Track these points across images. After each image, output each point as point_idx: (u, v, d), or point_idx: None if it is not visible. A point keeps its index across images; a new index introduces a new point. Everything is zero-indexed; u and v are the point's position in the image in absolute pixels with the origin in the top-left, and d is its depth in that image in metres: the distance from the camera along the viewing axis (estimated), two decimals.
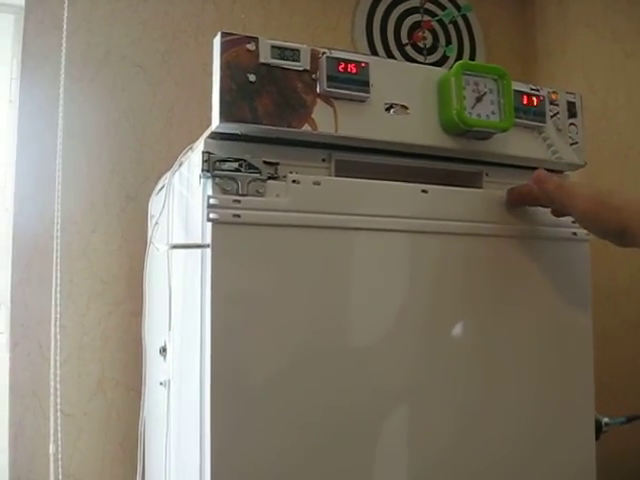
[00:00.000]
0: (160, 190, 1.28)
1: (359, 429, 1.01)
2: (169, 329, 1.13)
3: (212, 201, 0.92)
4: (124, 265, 1.52)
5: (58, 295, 1.40)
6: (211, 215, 0.92)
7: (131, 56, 1.63)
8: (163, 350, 1.18)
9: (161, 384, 1.17)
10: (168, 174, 1.15)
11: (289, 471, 0.97)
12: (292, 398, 0.97)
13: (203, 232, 0.95)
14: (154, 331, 1.26)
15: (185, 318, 1.07)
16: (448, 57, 1.98)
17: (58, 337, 1.39)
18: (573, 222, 1.14)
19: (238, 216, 0.93)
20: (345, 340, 1.01)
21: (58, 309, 1.39)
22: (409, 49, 1.93)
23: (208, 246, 0.92)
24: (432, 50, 1.97)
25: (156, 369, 1.23)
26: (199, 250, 0.96)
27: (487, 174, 1.14)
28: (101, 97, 1.59)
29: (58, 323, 1.40)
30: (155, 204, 1.34)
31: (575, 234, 1.15)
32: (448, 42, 2.00)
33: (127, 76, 1.62)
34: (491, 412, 1.10)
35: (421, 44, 1.95)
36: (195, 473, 0.99)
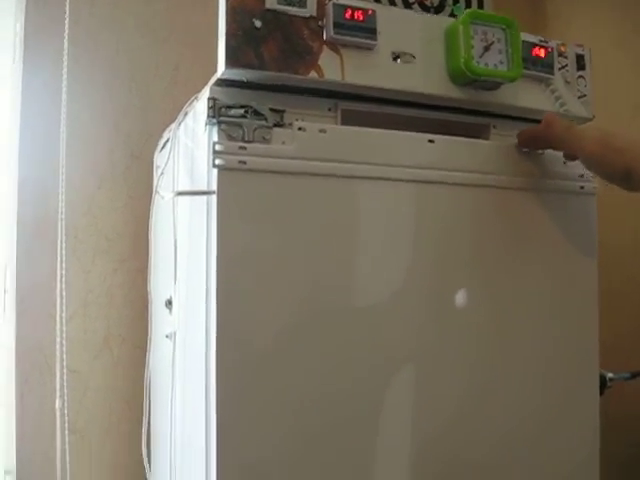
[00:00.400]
0: (165, 144, 1.27)
1: (364, 388, 1.01)
2: (174, 281, 1.13)
3: (218, 147, 0.92)
4: (129, 222, 1.51)
5: (63, 252, 1.40)
6: (217, 161, 0.91)
7: (135, 14, 1.62)
8: (169, 303, 1.18)
9: (167, 337, 1.17)
10: (173, 126, 1.14)
11: (294, 421, 0.97)
12: (297, 351, 0.97)
13: (209, 179, 0.94)
14: (160, 284, 1.26)
15: (190, 268, 1.07)
16: (455, 16, 1.95)
17: (64, 294, 1.39)
18: (580, 176, 1.13)
19: (244, 162, 0.92)
20: (350, 294, 1.01)
21: (63, 265, 1.39)
22: (416, 7, 1.91)
23: (214, 193, 0.92)
24: (439, 9, 1.95)
25: (162, 322, 1.23)
26: (204, 198, 0.96)
27: (494, 126, 1.13)
28: (105, 56, 1.58)
29: (64, 280, 1.39)
30: (160, 158, 1.34)
31: (582, 188, 1.14)
32: (455, 1, 1.98)
33: (131, 34, 1.61)
34: (498, 369, 1.10)
35: (428, 3, 1.93)
36: (201, 423, 0.99)
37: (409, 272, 1.04)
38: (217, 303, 0.94)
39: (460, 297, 1.08)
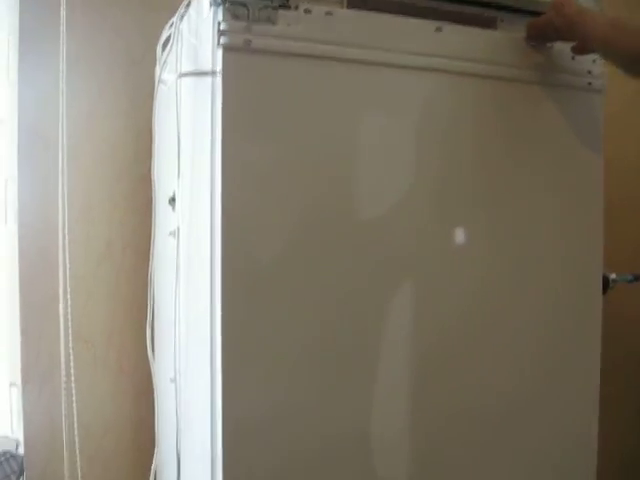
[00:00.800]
0: (166, 41, 1.24)
1: (365, 298, 1.02)
2: (178, 176, 1.12)
3: (223, 26, 0.90)
4: (131, 129, 1.49)
5: (65, 160, 1.39)
6: (222, 40, 0.90)
7: None
8: (172, 200, 1.17)
9: (170, 234, 1.17)
10: (175, 19, 1.12)
11: (296, 323, 0.99)
12: (301, 248, 0.98)
13: (213, 61, 0.93)
14: (162, 182, 1.25)
15: (195, 160, 1.06)
16: None
17: (66, 201, 1.39)
18: (588, 72, 1.12)
19: (249, 42, 0.91)
20: (354, 189, 1.01)
21: (65, 173, 1.38)
22: None
23: (219, 73, 0.91)
24: None
25: (165, 220, 1.22)
26: (209, 84, 0.94)
27: (502, 20, 1.11)
28: None
29: (65, 187, 1.39)
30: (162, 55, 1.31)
31: (590, 84, 1.13)
32: None
33: None
34: (503, 269, 1.10)
35: None
36: (206, 320, 1.00)
37: (412, 170, 1.04)
38: (222, 193, 0.93)
39: (464, 200, 1.07)
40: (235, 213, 0.94)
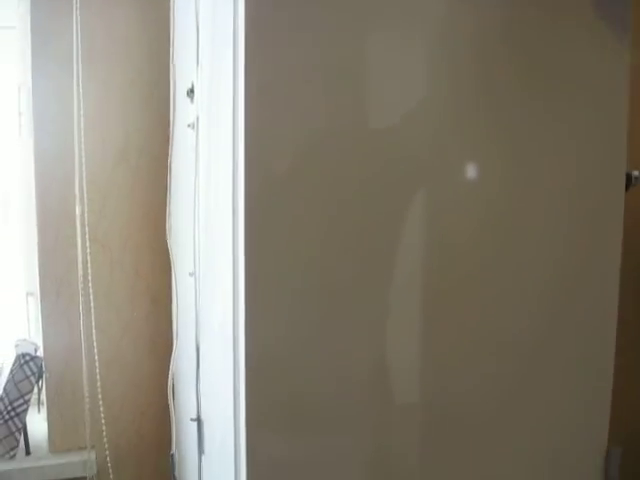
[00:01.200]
0: None
1: (379, 209, 1.01)
2: (197, 65, 1.11)
3: None
4: (147, 33, 1.45)
5: (80, 64, 1.37)
6: None
7: None
8: (191, 91, 1.16)
9: (189, 126, 1.17)
10: None
11: (312, 224, 0.99)
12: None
13: None
14: (180, 75, 1.24)
15: (215, 46, 1.05)
16: None
17: (81, 104, 1.38)
18: None
19: None
20: (372, 93, 1.00)
21: (80, 76, 1.37)
22: None
23: None
24: None
25: (183, 114, 1.22)
26: None
27: None
28: None
29: (80, 92, 1.38)
30: None
31: None
32: None
33: None
34: (517, 167, 1.09)
35: None
36: (227, 208, 1.00)
37: (425, 76, 1.03)
38: (245, 84, 0.92)
39: (477, 103, 1.06)
40: (259, 104, 0.93)
